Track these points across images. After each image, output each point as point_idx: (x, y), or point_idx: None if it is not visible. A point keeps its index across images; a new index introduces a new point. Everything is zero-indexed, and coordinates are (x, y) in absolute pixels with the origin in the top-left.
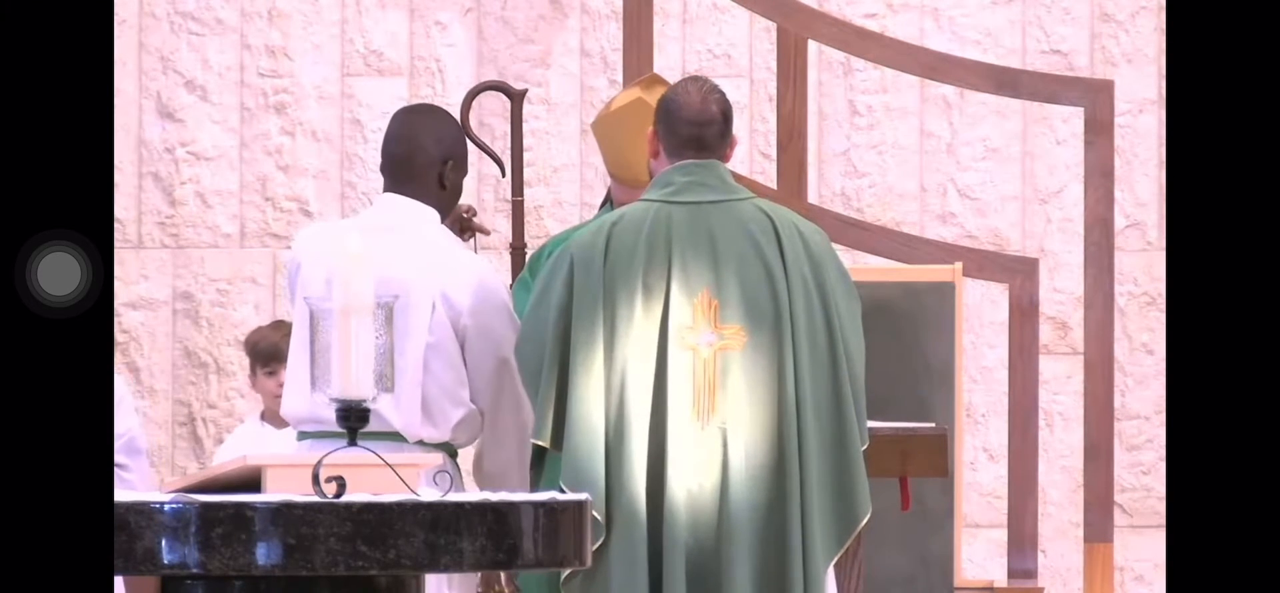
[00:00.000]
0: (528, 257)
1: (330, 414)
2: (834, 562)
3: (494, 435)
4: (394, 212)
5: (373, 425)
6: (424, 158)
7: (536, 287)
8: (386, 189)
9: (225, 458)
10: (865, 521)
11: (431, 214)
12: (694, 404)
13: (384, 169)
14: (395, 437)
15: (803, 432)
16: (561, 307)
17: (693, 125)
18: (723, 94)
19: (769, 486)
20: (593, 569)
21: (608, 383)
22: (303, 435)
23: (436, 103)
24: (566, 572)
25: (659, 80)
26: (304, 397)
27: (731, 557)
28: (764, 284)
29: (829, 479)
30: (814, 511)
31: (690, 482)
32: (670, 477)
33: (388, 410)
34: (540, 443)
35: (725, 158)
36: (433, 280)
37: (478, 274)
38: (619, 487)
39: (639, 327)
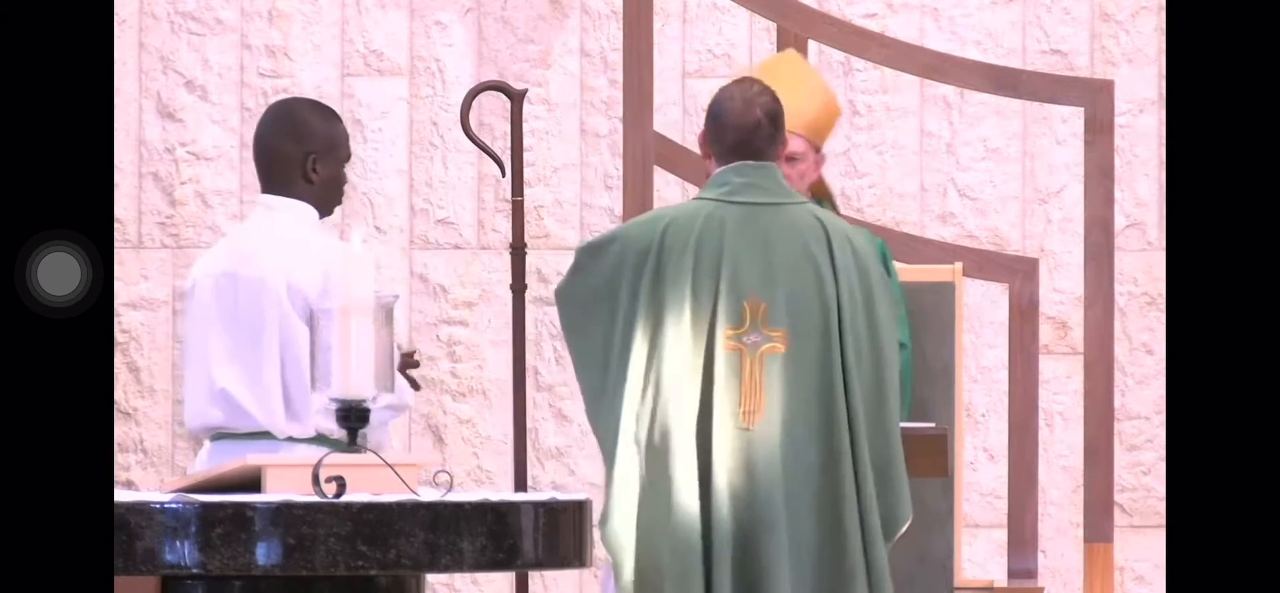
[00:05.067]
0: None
1: (220, 415)
2: None
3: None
4: (262, 211)
5: (243, 426)
6: (282, 158)
7: (583, 268)
8: (262, 190)
9: (204, 460)
10: (904, 528)
11: (304, 209)
12: (740, 405)
13: (256, 171)
14: (265, 435)
15: (855, 431)
16: (608, 298)
17: (737, 131)
18: (771, 96)
19: (818, 485)
20: (651, 577)
21: (655, 380)
22: (217, 438)
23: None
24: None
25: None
26: (197, 405)
27: (775, 553)
28: (814, 289)
29: (878, 482)
30: (871, 501)
31: (736, 481)
32: (716, 477)
33: (254, 409)
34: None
35: (778, 159)
36: (279, 272)
37: (326, 259)
38: (667, 486)
39: (687, 325)
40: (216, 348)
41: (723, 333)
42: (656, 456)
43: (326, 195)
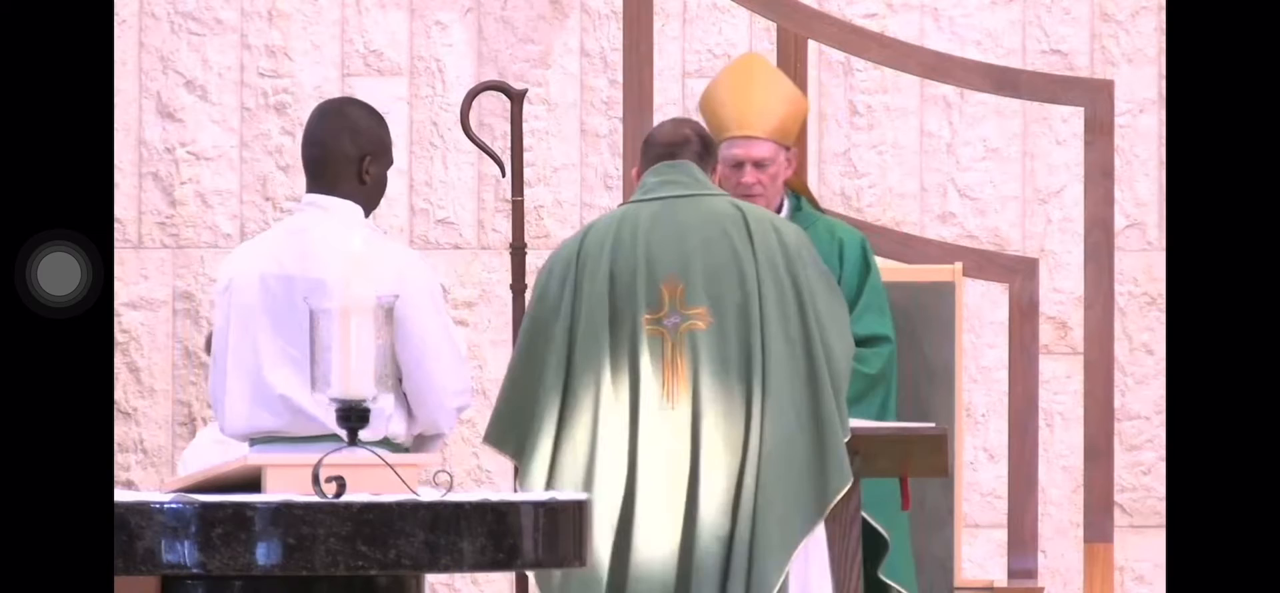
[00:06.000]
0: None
1: (275, 419)
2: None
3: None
4: (316, 211)
5: (304, 430)
6: (341, 158)
7: (529, 320)
8: (309, 189)
9: (192, 458)
10: (843, 492)
11: (355, 210)
12: (662, 386)
13: (305, 170)
14: (330, 438)
15: (767, 410)
16: (532, 316)
17: (664, 146)
18: (699, 124)
19: (735, 461)
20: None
21: (571, 382)
22: (262, 441)
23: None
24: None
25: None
26: (242, 409)
27: (700, 539)
28: (731, 265)
29: (801, 457)
30: (766, 504)
31: (660, 462)
32: (641, 457)
33: (319, 412)
34: (486, 440)
35: (708, 175)
36: (346, 273)
37: (397, 268)
38: (598, 474)
39: (607, 323)
40: (268, 350)
41: (643, 320)
42: (593, 469)
43: (374, 195)
